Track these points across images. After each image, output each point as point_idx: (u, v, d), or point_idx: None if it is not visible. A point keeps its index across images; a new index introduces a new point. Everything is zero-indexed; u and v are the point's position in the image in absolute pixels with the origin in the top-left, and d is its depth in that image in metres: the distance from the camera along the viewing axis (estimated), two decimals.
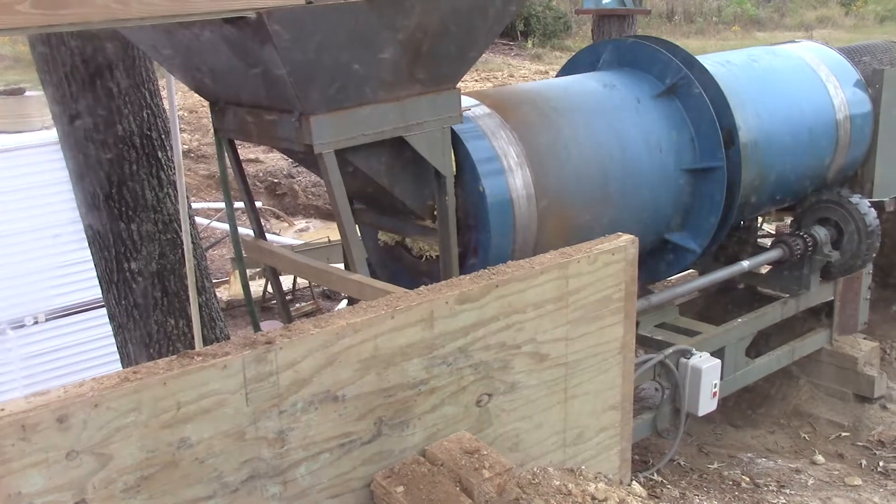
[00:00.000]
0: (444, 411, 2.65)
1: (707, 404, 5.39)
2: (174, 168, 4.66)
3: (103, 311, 5.30)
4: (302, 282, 9.04)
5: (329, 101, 3.59)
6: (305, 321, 2.40)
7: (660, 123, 5.22)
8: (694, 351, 5.40)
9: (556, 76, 6.08)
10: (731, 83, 5.48)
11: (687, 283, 5.97)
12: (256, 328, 4.85)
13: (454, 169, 4.22)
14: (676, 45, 5.50)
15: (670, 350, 5.35)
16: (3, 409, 1.90)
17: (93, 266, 5.08)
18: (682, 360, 5.36)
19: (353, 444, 2.45)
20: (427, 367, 2.57)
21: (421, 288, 2.63)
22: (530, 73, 20.08)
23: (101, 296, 5.19)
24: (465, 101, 4.46)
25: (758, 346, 6.33)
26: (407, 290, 2.72)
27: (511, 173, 4.45)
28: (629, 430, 3.29)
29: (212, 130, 4.33)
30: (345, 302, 7.73)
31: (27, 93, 6.71)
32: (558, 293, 2.85)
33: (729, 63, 5.84)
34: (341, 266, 4.75)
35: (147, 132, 4.77)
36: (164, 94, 4.80)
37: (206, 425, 2.15)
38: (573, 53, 6.35)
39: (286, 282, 8.69)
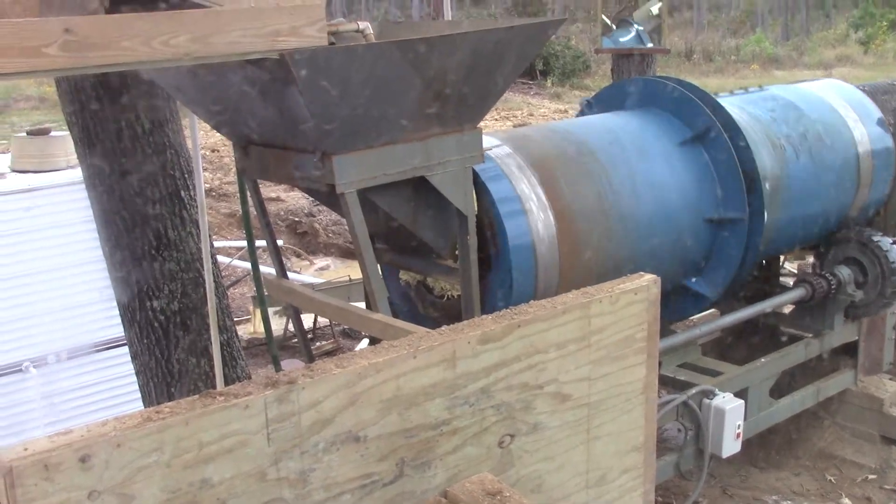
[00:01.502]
0: (466, 452, 2.63)
1: (731, 446, 5.32)
2: (196, 207, 4.69)
3: (125, 349, 5.31)
4: (322, 320, 9.05)
5: (352, 140, 3.61)
6: (327, 360, 2.39)
7: (686, 169, 5.20)
8: (717, 391, 5.35)
9: (578, 114, 6.08)
10: (754, 127, 5.47)
11: (709, 322, 5.93)
12: (277, 367, 4.85)
13: (475, 209, 4.22)
14: (704, 90, 5.49)
15: (693, 390, 5.30)
16: (26, 449, 1.90)
17: (115, 304, 5.11)
18: (705, 400, 5.31)
19: (374, 484, 2.43)
20: (449, 408, 2.55)
21: (443, 328, 2.62)
22: (549, 112, 20.20)
23: (122, 334, 5.21)
24: (487, 141, 4.47)
25: (781, 386, 6.26)
26: (429, 329, 2.71)
27: (533, 214, 4.45)
28: (652, 472, 3.25)
29: (234, 169, 4.36)
30: (365, 341, 7.72)
31: (52, 133, 6.78)
32: (581, 333, 2.83)
33: (752, 104, 5.82)
34: (362, 305, 4.75)
35: (170, 171, 4.81)
36: (186, 133, 4.85)
37: (228, 465, 2.14)
38: (592, 92, 6.36)
39: (306, 321, 8.70)
